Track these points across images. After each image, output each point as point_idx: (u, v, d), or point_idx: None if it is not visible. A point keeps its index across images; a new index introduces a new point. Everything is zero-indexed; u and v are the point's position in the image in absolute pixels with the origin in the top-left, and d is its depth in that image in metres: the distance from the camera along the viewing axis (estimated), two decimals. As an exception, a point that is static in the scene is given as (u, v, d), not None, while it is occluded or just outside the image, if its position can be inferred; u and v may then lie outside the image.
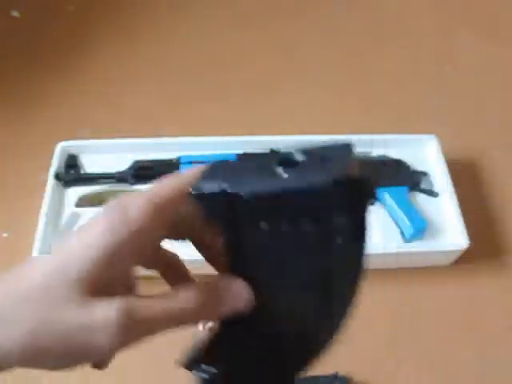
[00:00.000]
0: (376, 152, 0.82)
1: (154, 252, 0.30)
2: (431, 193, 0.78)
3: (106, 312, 0.24)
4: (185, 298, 0.26)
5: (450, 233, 0.74)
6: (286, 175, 0.26)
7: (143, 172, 0.77)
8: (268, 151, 0.79)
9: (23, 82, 0.97)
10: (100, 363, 0.27)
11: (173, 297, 0.26)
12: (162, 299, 0.26)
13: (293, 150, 0.27)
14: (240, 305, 0.27)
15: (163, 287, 0.33)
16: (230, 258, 0.28)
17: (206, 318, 0.29)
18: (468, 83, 1.00)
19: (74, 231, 0.28)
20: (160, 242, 0.29)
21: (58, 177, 0.76)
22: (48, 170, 0.76)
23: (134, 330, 0.24)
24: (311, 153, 0.27)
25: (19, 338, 0.23)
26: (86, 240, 0.24)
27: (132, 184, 0.77)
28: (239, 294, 0.27)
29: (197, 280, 0.31)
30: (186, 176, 0.27)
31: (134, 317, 0.24)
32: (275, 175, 0.26)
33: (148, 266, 0.30)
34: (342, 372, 0.64)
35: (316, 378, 0.64)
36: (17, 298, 0.23)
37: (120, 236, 0.24)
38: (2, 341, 0.23)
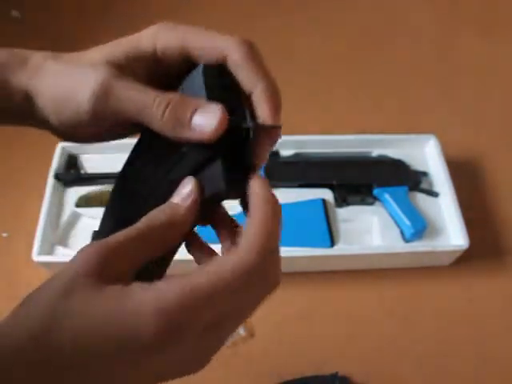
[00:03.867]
0: (376, 152, 0.82)
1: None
2: (431, 193, 0.78)
3: (99, 70, 0.29)
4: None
5: (450, 233, 0.74)
6: None
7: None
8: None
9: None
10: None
11: (150, 93, 0.29)
12: (145, 89, 0.29)
13: None
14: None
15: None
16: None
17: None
18: (468, 83, 1.00)
19: None
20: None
21: (57, 177, 0.76)
22: (48, 170, 0.76)
23: (109, 90, 0.29)
24: None
25: (50, 89, 0.30)
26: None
27: (132, 184, 0.77)
28: None
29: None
30: None
31: (114, 81, 0.29)
32: None
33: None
34: (342, 372, 0.65)
35: (316, 378, 0.64)
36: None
37: (147, 37, 0.30)
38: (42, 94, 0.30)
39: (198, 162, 0.29)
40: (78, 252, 0.26)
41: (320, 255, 0.70)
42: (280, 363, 0.67)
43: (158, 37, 0.30)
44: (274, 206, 0.28)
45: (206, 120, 0.27)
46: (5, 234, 0.78)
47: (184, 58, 0.30)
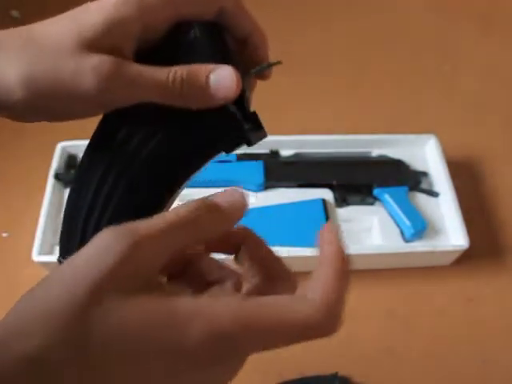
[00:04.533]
0: (376, 152, 0.82)
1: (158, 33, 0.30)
2: (431, 193, 0.78)
3: (97, 60, 0.27)
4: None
5: (450, 233, 0.74)
6: None
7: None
8: (269, 152, 0.79)
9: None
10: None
11: (161, 72, 0.28)
12: (153, 69, 0.28)
13: None
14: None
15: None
16: None
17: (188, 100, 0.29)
18: (468, 83, 1.00)
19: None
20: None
21: (57, 177, 0.76)
22: (48, 170, 0.76)
23: (118, 80, 0.27)
24: None
25: (19, 68, 0.27)
26: (102, 4, 0.28)
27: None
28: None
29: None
30: None
31: (121, 68, 0.27)
32: None
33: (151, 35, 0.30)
34: (342, 372, 0.65)
35: (316, 378, 0.64)
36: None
37: (130, 9, 0.28)
38: (5, 71, 0.27)
39: (211, 123, 0.30)
40: (95, 241, 0.22)
41: (320, 255, 0.70)
42: (280, 363, 0.67)
43: (142, 1, 0.28)
44: (347, 265, 0.26)
45: (225, 83, 0.28)
46: (5, 234, 0.78)
47: (171, 20, 0.29)
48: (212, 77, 0.28)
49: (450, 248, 0.72)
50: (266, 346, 0.23)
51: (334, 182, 0.77)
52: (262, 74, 0.33)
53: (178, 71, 0.28)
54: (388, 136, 0.83)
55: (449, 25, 1.10)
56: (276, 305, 0.23)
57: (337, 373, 0.64)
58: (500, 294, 0.74)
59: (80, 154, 0.80)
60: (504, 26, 1.10)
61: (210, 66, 0.28)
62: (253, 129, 0.31)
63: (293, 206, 0.75)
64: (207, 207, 0.25)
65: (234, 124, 0.30)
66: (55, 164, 0.77)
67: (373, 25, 1.10)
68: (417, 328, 0.70)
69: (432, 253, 0.72)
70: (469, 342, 0.69)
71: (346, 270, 0.25)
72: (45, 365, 0.20)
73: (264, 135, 0.32)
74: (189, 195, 0.77)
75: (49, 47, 0.27)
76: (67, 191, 0.77)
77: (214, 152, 0.31)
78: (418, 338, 0.69)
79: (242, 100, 0.30)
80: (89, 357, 0.20)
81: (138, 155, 0.30)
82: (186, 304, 0.22)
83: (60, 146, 0.79)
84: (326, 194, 0.77)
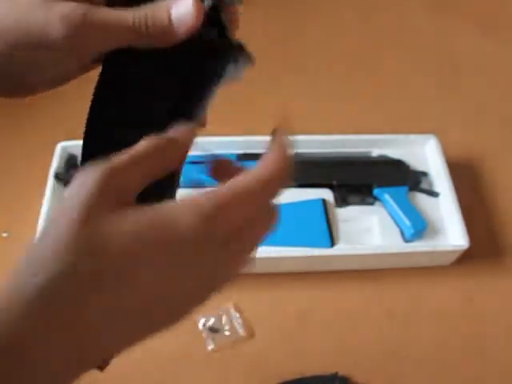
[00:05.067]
0: (376, 152, 0.82)
1: None
2: (431, 193, 0.78)
3: (66, 9, 0.27)
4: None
5: (450, 233, 0.74)
6: None
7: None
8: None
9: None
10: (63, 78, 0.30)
11: (127, 14, 0.28)
12: (119, 11, 0.28)
13: None
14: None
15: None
16: None
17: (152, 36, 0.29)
18: (468, 83, 1.00)
19: None
20: None
21: (57, 177, 0.76)
22: (48, 170, 0.76)
23: (87, 27, 0.27)
24: None
25: None
26: None
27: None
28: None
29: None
30: None
31: (89, 16, 0.27)
32: None
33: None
34: (342, 372, 0.65)
35: (316, 378, 0.64)
36: None
37: None
38: None
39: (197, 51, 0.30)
40: (77, 179, 0.25)
41: (320, 255, 0.70)
42: (280, 363, 0.67)
43: None
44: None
45: (185, 16, 0.28)
46: (5, 234, 0.78)
47: None
48: (173, 12, 0.28)
49: (450, 248, 0.72)
50: (246, 211, 0.28)
51: (334, 182, 0.77)
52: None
53: (142, 12, 0.28)
54: (388, 136, 0.83)
55: (449, 24, 1.10)
56: (236, 181, 0.29)
57: (337, 373, 0.64)
58: (500, 294, 0.74)
59: (80, 154, 0.80)
60: (504, 27, 1.10)
61: (171, 1, 0.28)
62: (237, 48, 0.31)
63: (293, 205, 0.75)
64: (164, 140, 0.28)
65: (216, 44, 0.30)
66: (55, 164, 0.77)
67: (373, 24, 1.10)
68: (417, 328, 0.70)
69: (432, 253, 0.72)
70: (469, 341, 0.69)
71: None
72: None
73: (251, 59, 0.32)
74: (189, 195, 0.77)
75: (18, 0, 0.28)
76: (67, 191, 0.77)
77: (204, 82, 0.31)
78: (418, 337, 0.69)
79: (221, 28, 0.30)
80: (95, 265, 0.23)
81: (138, 103, 0.31)
82: (168, 204, 0.26)
83: (60, 145, 0.79)
84: (326, 194, 0.77)
